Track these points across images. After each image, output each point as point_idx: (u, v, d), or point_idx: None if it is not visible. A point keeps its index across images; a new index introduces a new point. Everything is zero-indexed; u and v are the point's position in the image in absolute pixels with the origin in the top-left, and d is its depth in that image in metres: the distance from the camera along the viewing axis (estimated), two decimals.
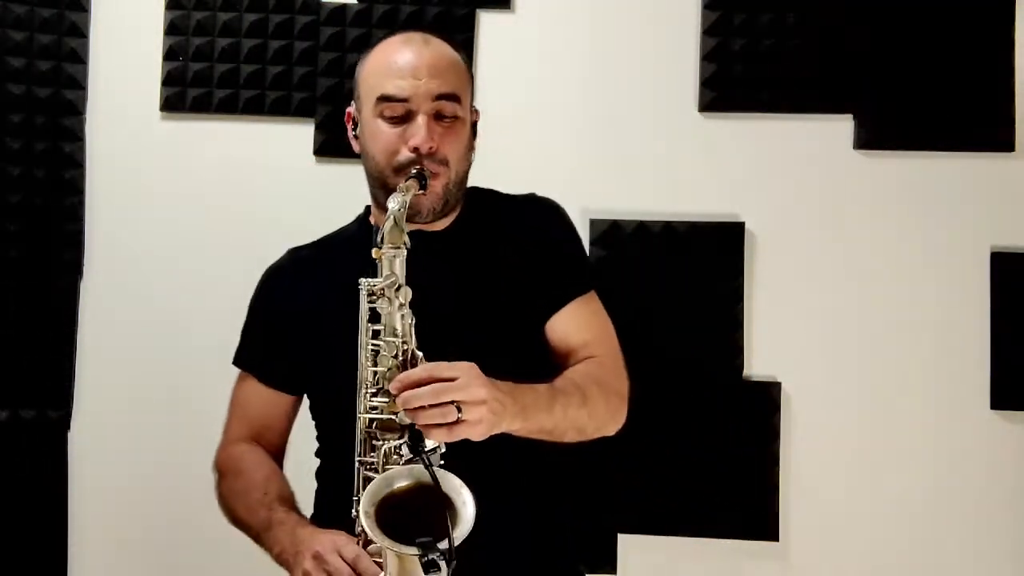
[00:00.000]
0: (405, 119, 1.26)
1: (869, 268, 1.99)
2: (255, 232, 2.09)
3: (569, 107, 2.06)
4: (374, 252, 1.16)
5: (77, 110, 2.11)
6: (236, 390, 1.46)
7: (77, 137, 2.11)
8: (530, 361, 1.31)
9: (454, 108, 1.28)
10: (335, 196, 2.07)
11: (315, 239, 1.48)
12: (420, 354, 1.14)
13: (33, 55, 2.08)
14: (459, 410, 1.06)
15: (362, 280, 1.17)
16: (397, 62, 1.28)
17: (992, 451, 1.95)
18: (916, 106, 1.98)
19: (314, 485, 1.41)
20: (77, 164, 2.10)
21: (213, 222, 2.10)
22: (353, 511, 1.17)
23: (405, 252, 1.16)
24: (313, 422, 1.42)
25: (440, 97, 1.26)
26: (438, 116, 1.27)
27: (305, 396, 1.44)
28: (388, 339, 1.15)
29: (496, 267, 1.33)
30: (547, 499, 1.35)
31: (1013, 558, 1.94)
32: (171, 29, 2.11)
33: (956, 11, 1.98)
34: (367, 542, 1.13)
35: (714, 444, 1.97)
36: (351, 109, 1.36)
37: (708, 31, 2.03)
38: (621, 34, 2.06)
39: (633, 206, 2.03)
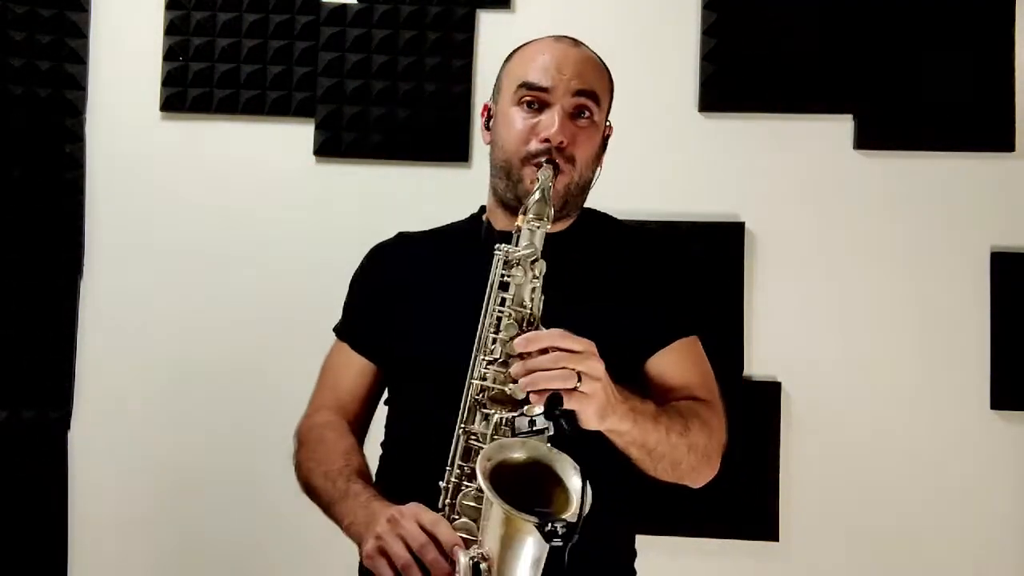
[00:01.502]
0: (540, 111, 1.26)
1: (869, 268, 1.99)
2: (255, 232, 2.10)
3: None
4: (518, 220, 1.15)
5: (77, 110, 2.11)
6: (328, 358, 1.44)
7: (77, 137, 2.11)
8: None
9: (592, 108, 1.28)
10: (335, 196, 2.09)
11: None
12: (543, 328, 1.11)
13: (33, 55, 2.08)
14: (579, 379, 1.03)
15: (499, 246, 1.15)
16: (545, 53, 1.29)
17: (992, 451, 1.95)
18: (916, 106, 1.98)
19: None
20: (77, 164, 2.10)
21: (213, 222, 2.10)
22: (443, 481, 1.13)
23: (548, 225, 1.15)
24: (388, 398, 1.40)
25: (579, 93, 1.26)
26: (574, 115, 1.27)
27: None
28: (515, 308, 1.12)
29: (606, 283, 1.30)
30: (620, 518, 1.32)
31: (1014, 558, 1.94)
32: (171, 29, 2.12)
33: (956, 11, 1.98)
34: (450, 517, 1.10)
35: None
36: (488, 102, 1.37)
37: (708, 31, 2.03)
38: (621, 34, 2.06)
39: (633, 206, 2.02)
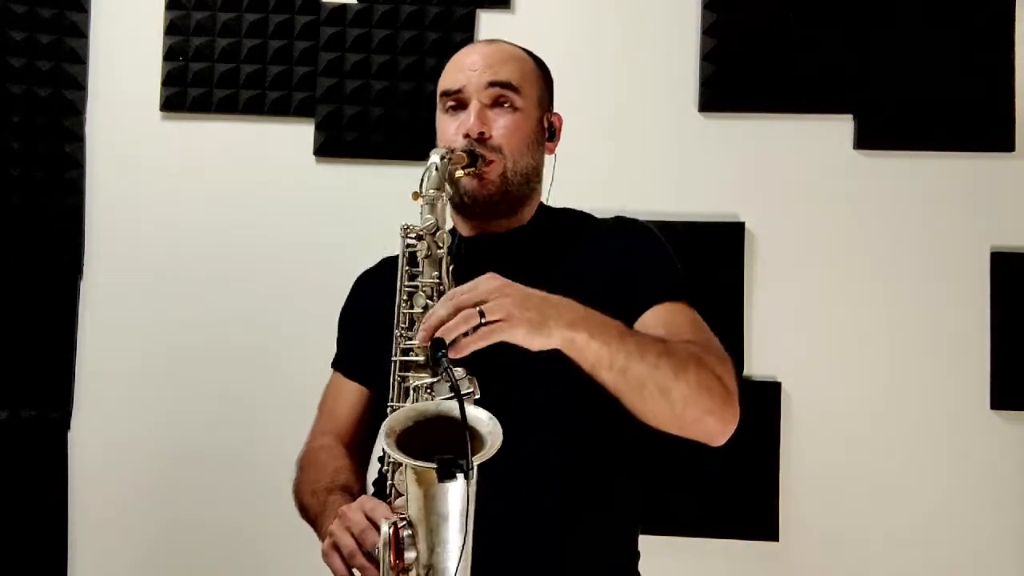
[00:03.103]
0: (461, 110, 1.28)
1: (869, 268, 1.99)
2: (255, 232, 2.10)
3: (569, 107, 2.06)
4: (413, 196, 1.16)
5: (77, 110, 2.11)
6: (326, 390, 1.45)
7: (77, 137, 2.11)
8: None
9: (510, 97, 1.28)
10: (335, 196, 2.09)
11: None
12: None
13: (33, 55, 2.08)
14: (482, 315, 0.99)
15: (401, 224, 1.17)
16: (459, 60, 1.32)
17: (992, 451, 1.94)
18: (916, 106, 1.98)
19: None
20: (77, 164, 2.10)
21: (213, 222, 2.10)
22: (383, 466, 1.14)
23: (446, 197, 1.16)
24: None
25: (492, 85, 1.27)
26: (494, 105, 1.28)
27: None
28: (425, 280, 1.13)
29: (576, 266, 1.28)
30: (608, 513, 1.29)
31: (1014, 558, 1.94)
32: (171, 29, 2.12)
33: (956, 11, 1.98)
34: (395, 498, 1.09)
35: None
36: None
37: (708, 31, 2.03)
38: (621, 34, 2.06)
39: (633, 206, 2.02)
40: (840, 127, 2.01)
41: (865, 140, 1.99)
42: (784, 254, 2.01)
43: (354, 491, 1.26)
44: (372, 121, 2.08)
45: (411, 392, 1.08)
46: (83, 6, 2.11)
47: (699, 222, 2.00)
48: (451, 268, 1.14)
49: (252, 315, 2.09)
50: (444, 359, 0.97)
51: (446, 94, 1.30)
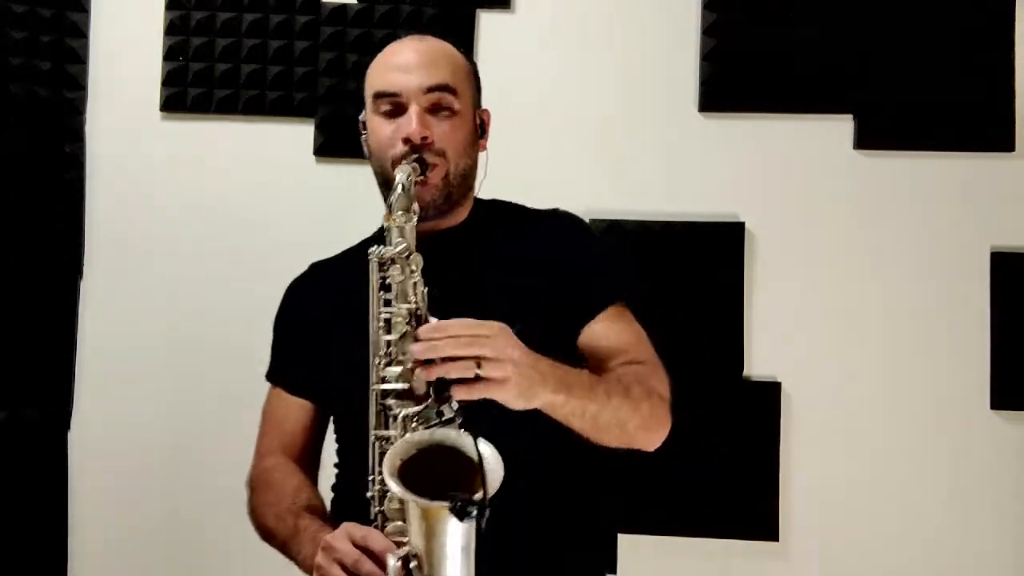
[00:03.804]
0: (399, 113, 1.27)
1: (869, 268, 1.99)
2: (255, 232, 2.10)
3: (569, 107, 2.06)
4: (384, 219, 1.14)
5: (77, 110, 2.11)
6: (267, 403, 1.44)
7: (77, 137, 2.11)
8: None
9: (449, 100, 1.27)
10: (335, 196, 2.09)
11: (337, 252, 1.48)
12: (434, 320, 1.08)
13: (33, 55, 2.08)
14: (479, 366, 1.00)
15: (372, 249, 1.15)
16: (391, 59, 1.30)
17: (992, 451, 1.95)
18: (916, 106, 1.98)
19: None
20: (77, 164, 2.10)
21: (213, 222, 2.10)
22: (368, 491, 1.13)
23: (415, 219, 1.15)
24: (334, 432, 1.40)
25: (432, 89, 1.26)
26: (434, 109, 1.27)
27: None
28: (401, 305, 1.11)
29: (520, 267, 1.30)
30: (564, 504, 1.30)
31: (1013, 558, 1.94)
32: (171, 29, 2.12)
33: (956, 11, 1.98)
34: (383, 525, 1.10)
35: (714, 444, 1.97)
36: (362, 116, 1.36)
37: (708, 31, 2.03)
38: (621, 34, 2.06)
39: (633, 206, 2.03)
40: (840, 127, 2.01)
41: (865, 140, 1.99)
42: (784, 254, 2.01)
43: (318, 510, 1.27)
44: None
45: (397, 420, 1.09)
46: (83, 6, 2.11)
47: (699, 222, 2.00)
48: (426, 291, 1.12)
49: (252, 315, 2.07)
50: (451, 400, 0.99)
51: (381, 96, 1.28)
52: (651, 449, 1.27)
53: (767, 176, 2.02)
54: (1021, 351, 1.94)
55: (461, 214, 1.35)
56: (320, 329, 1.35)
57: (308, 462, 1.40)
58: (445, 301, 1.13)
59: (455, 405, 1.00)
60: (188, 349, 2.10)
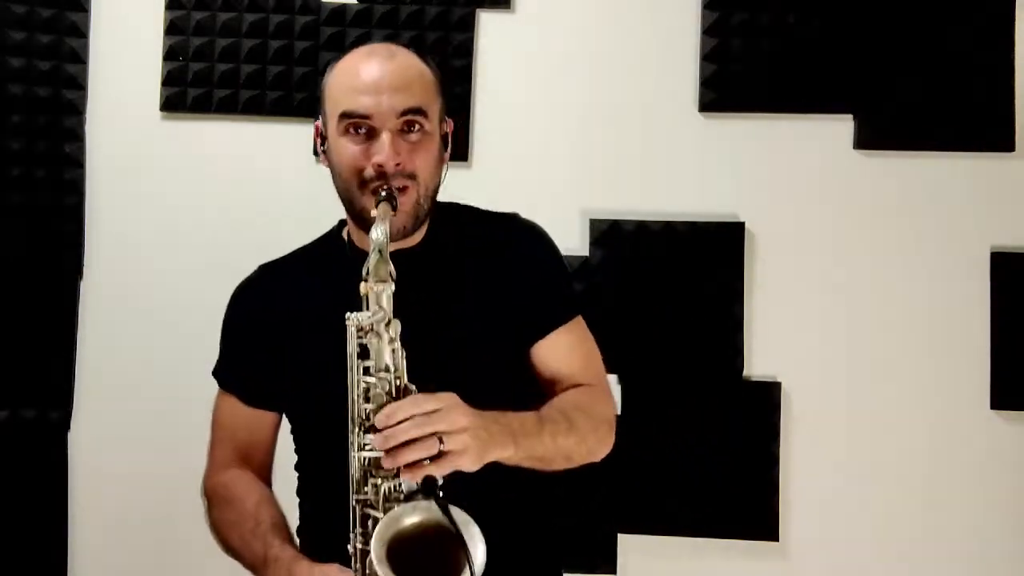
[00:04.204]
0: (369, 136, 1.23)
1: (869, 268, 1.99)
2: (255, 232, 2.10)
3: (569, 107, 2.06)
4: (361, 287, 1.13)
5: (77, 110, 2.11)
6: (218, 411, 1.41)
7: (77, 137, 2.11)
8: (512, 385, 1.29)
9: (420, 123, 1.24)
10: (335, 196, 2.08)
11: (284, 254, 1.46)
12: (414, 388, 1.12)
13: (33, 55, 2.08)
14: (441, 441, 1.05)
15: (349, 315, 1.14)
16: (360, 77, 1.24)
17: (992, 451, 1.95)
18: (916, 106, 1.98)
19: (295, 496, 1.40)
20: (77, 164, 2.10)
21: (213, 222, 2.10)
22: (350, 546, 1.14)
23: (392, 285, 1.13)
24: (292, 436, 1.40)
25: (405, 112, 1.22)
26: (404, 131, 1.23)
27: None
28: (380, 375, 1.11)
29: (474, 287, 1.30)
30: (528, 499, 1.32)
31: (1013, 558, 1.94)
32: (171, 29, 2.11)
33: (956, 11, 1.98)
34: (365, 574, 1.12)
35: (714, 444, 1.97)
36: (318, 123, 1.33)
37: (708, 31, 2.03)
38: (621, 34, 2.06)
39: (633, 206, 2.03)
40: (840, 127, 2.01)
41: (865, 140, 1.99)
42: (784, 254, 2.01)
43: (281, 528, 1.27)
44: None
45: (378, 488, 1.12)
46: (83, 6, 2.11)
47: (699, 222, 2.01)
48: (404, 356, 1.13)
49: None
50: (439, 495, 1.04)
51: (349, 116, 1.23)
52: (596, 461, 1.31)
53: (767, 176, 2.02)
54: (1021, 351, 1.94)
55: (420, 232, 1.33)
56: (275, 336, 1.33)
57: (264, 471, 1.39)
58: (406, 327, 1.14)
59: (445, 506, 1.04)
60: (188, 349, 2.09)
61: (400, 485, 1.10)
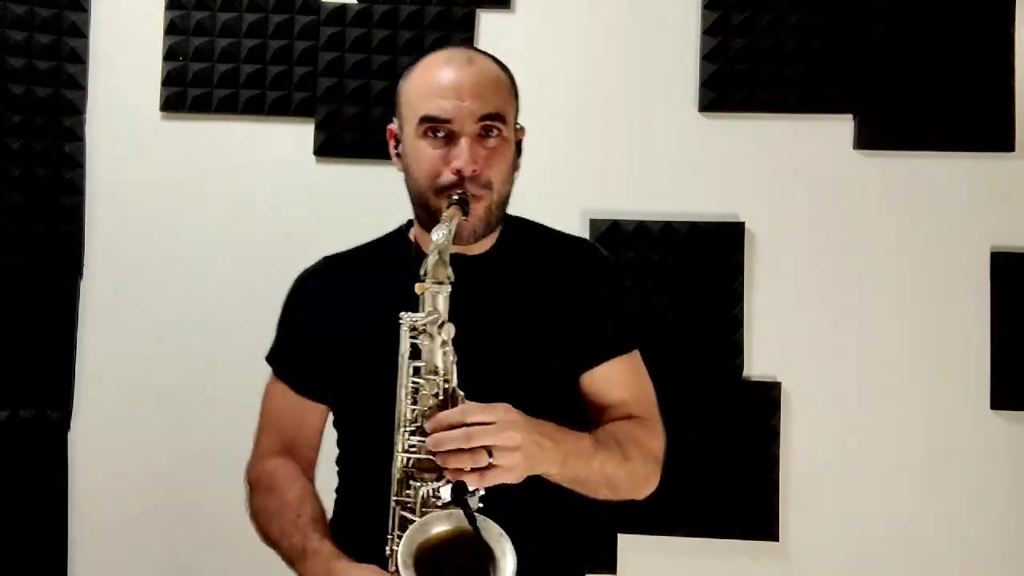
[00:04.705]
0: (448, 140, 1.23)
1: (869, 268, 1.99)
2: (255, 232, 2.10)
3: (569, 107, 2.06)
4: (417, 287, 1.13)
5: (77, 110, 2.11)
6: (268, 398, 1.41)
7: (77, 137, 2.11)
8: (560, 405, 1.28)
9: (499, 128, 1.24)
10: (335, 196, 2.09)
11: (351, 247, 1.45)
12: (461, 393, 1.11)
13: (33, 55, 2.08)
14: (490, 455, 1.04)
15: (403, 315, 1.14)
16: (440, 81, 1.23)
17: (992, 451, 1.95)
18: (916, 106, 1.98)
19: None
20: (77, 164, 2.10)
21: (213, 222, 2.10)
22: (387, 548, 1.14)
23: (449, 287, 1.13)
24: (335, 429, 1.40)
25: (484, 118, 1.22)
26: (482, 136, 1.23)
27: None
28: (429, 377, 1.12)
29: (536, 303, 1.30)
30: (552, 501, 1.31)
31: (1012, 558, 1.94)
32: (171, 29, 2.12)
33: (956, 11, 1.98)
34: None
35: (714, 444, 1.97)
36: (392, 126, 1.33)
37: (708, 31, 2.03)
38: (621, 34, 2.06)
39: (633, 206, 2.03)
40: (840, 127, 2.01)
41: (865, 140, 1.99)
42: (784, 254, 2.01)
43: (321, 523, 1.26)
44: (372, 121, 2.08)
45: (416, 491, 1.12)
46: (83, 6, 2.11)
47: (699, 222, 2.01)
48: (454, 361, 1.12)
49: (251, 315, 2.08)
50: (467, 506, 1.04)
51: (429, 120, 1.23)
52: (639, 499, 1.32)
53: (767, 176, 2.02)
54: (1021, 351, 1.94)
55: (491, 239, 1.32)
56: (331, 328, 1.33)
57: (309, 462, 1.39)
58: (462, 332, 1.14)
59: (468, 500, 1.04)
60: (188, 349, 2.10)
61: (439, 490, 1.09)
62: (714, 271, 2.00)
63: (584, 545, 1.45)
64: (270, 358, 1.42)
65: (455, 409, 1.08)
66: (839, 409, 1.98)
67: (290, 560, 1.26)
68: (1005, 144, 1.96)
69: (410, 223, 1.40)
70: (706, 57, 2.02)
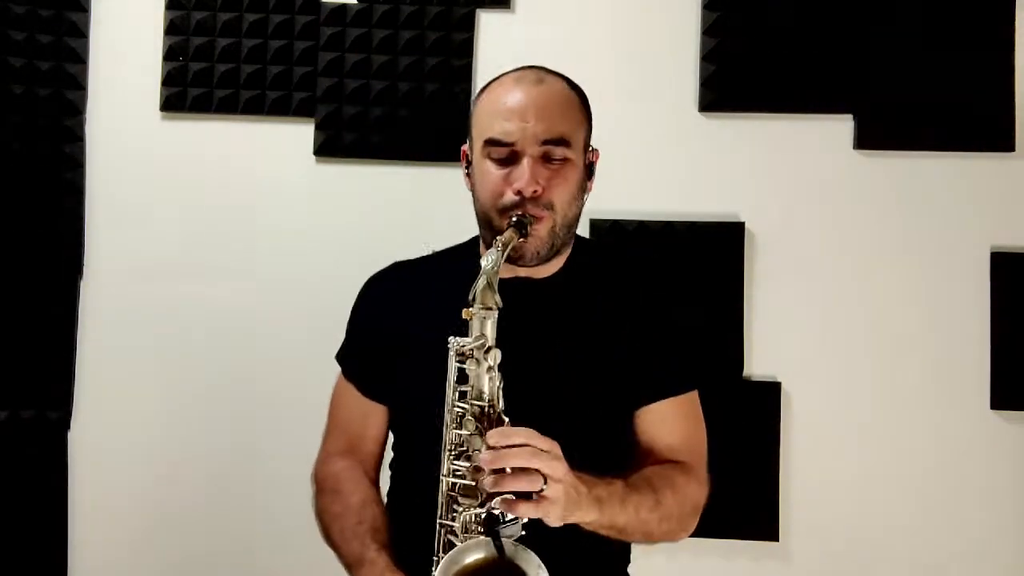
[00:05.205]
0: (511, 161, 1.23)
1: (869, 268, 1.99)
2: (255, 232, 2.10)
3: None
4: (464, 312, 1.13)
5: (77, 110, 2.11)
6: (336, 397, 1.43)
7: (77, 137, 2.11)
8: (608, 441, 1.28)
9: (563, 152, 1.24)
10: (335, 196, 2.09)
11: (419, 256, 1.46)
12: (507, 419, 1.11)
13: (33, 55, 2.08)
14: (544, 481, 1.04)
15: (451, 339, 1.15)
16: (506, 103, 1.25)
17: (992, 451, 1.94)
18: (916, 106, 1.98)
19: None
20: (77, 164, 2.10)
21: (213, 222, 2.10)
22: (433, 570, 1.14)
23: (496, 313, 1.14)
24: (392, 434, 1.41)
25: (547, 142, 1.23)
26: (546, 158, 1.23)
27: None
28: (474, 402, 1.12)
29: (597, 333, 1.29)
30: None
31: (1013, 558, 1.94)
32: (171, 29, 2.12)
33: (956, 11, 1.98)
34: None
35: (714, 444, 1.96)
36: (465, 147, 1.34)
37: (708, 31, 2.03)
38: (621, 34, 2.06)
39: (633, 206, 2.03)
40: (840, 127, 2.01)
41: (865, 140, 1.99)
42: (784, 254, 2.01)
43: (382, 532, 1.27)
44: (372, 121, 2.08)
45: (459, 519, 1.12)
46: (83, 6, 2.11)
47: (699, 222, 2.00)
48: (501, 387, 1.12)
49: (252, 315, 2.09)
50: (499, 538, 1.04)
51: (494, 143, 1.24)
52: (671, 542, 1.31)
53: (767, 176, 2.02)
54: (1021, 351, 1.94)
55: (558, 262, 1.32)
56: (395, 333, 1.34)
57: (373, 464, 1.40)
58: (518, 356, 1.14)
59: (500, 545, 1.04)
60: (188, 349, 2.10)
61: (483, 516, 1.09)
62: (714, 271, 2.00)
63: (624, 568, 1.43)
64: (339, 357, 1.44)
65: (519, 428, 1.08)
66: (839, 409, 1.98)
67: (347, 565, 1.26)
68: (1005, 144, 1.96)
69: (478, 238, 1.40)
70: (706, 57, 2.02)
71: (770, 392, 1.98)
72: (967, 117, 1.97)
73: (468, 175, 1.33)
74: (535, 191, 1.22)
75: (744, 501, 1.96)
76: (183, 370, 2.09)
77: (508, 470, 1.04)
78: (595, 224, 2.02)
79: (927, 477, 1.96)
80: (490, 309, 1.13)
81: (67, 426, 2.09)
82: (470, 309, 1.13)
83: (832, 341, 1.99)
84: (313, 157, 2.10)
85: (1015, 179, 1.97)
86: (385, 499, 1.38)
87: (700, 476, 1.32)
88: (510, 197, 1.23)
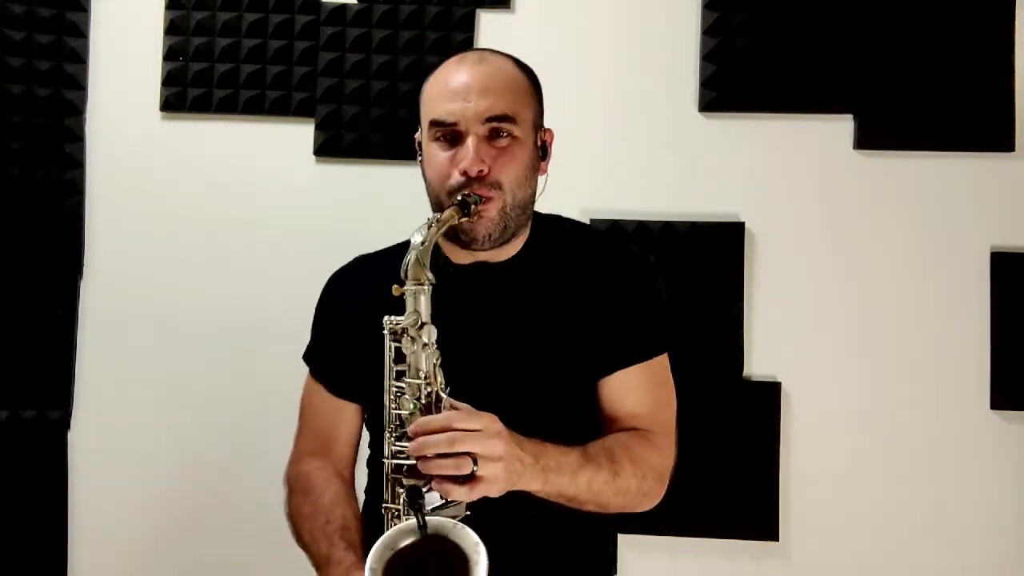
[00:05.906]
0: (456, 141, 1.21)
1: (869, 268, 1.99)
2: (255, 232, 2.10)
3: (568, 107, 2.06)
4: (395, 289, 1.12)
5: (77, 110, 2.11)
6: (306, 398, 1.41)
7: (77, 137, 2.11)
8: (574, 414, 1.27)
9: (509, 128, 1.22)
10: (335, 196, 2.09)
11: (382, 247, 1.44)
12: (444, 396, 1.10)
13: (33, 55, 2.08)
14: (475, 463, 1.03)
15: (385, 319, 1.13)
16: (449, 84, 1.23)
17: (992, 451, 1.95)
18: (916, 106, 1.98)
19: None
20: (77, 164, 2.10)
21: (213, 222, 2.10)
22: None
23: (429, 288, 1.12)
24: (367, 430, 1.40)
25: (491, 119, 1.20)
26: (492, 137, 1.21)
27: None
28: (411, 380, 1.11)
29: (556, 310, 1.27)
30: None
31: (1013, 558, 1.94)
32: (171, 29, 2.12)
33: (956, 11, 1.98)
34: None
35: (714, 444, 1.97)
36: (417, 135, 1.33)
37: (708, 31, 2.03)
38: (621, 34, 2.06)
39: (633, 206, 2.03)
40: (840, 127, 2.01)
41: (865, 140, 1.99)
42: (784, 254, 2.01)
43: (352, 532, 1.25)
44: (372, 121, 2.08)
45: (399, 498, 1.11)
46: (83, 6, 2.11)
47: (699, 222, 2.00)
48: (438, 363, 1.11)
49: (252, 315, 2.09)
50: (420, 510, 1.02)
51: (438, 124, 1.22)
52: (637, 512, 1.29)
53: (767, 176, 2.02)
54: (1021, 351, 1.94)
55: (516, 244, 1.30)
56: (359, 328, 1.31)
57: (346, 463, 1.38)
58: (475, 340, 1.13)
59: (422, 518, 1.03)
60: (188, 349, 2.10)
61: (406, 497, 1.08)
62: (714, 271, 2.00)
63: (610, 550, 1.42)
64: (305, 356, 1.42)
65: (440, 414, 1.07)
66: (839, 409, 1.98)
67: (316, 566, 1.25)
68: (1005, 144, 1.96)
69: None
70: (706, 57, 2.02)
71: (770, 392, 1.98)
72: (967, 117, 1.97)
73: (420, 164, 1.31)
74: (480, 171, 1.19)
75: (744, 501, 1.96)
76: (183, 370, 2.09)
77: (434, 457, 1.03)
78: (595, 224, 2.02)
79: (927, 477, 1.96)
80: (421, 284, 1.12)
81: (67, 426, 2.09)
82: (399, 287, 1.12)
83: (832, 341, 1.99)
84: (313, 157, 2.10)
85: (1015, 179, 1.97)
86: (364, 495, 1.37)
87: (663, 444, 1.28)
88: (457, 178, 1.21)
